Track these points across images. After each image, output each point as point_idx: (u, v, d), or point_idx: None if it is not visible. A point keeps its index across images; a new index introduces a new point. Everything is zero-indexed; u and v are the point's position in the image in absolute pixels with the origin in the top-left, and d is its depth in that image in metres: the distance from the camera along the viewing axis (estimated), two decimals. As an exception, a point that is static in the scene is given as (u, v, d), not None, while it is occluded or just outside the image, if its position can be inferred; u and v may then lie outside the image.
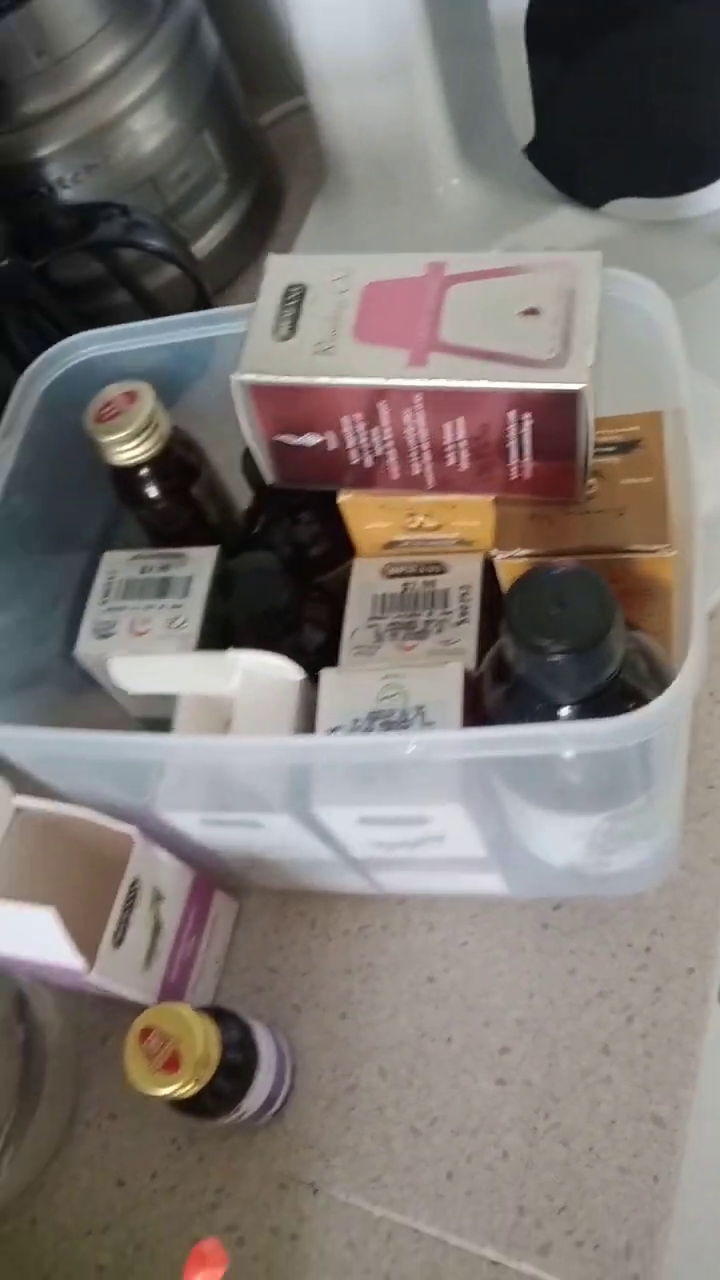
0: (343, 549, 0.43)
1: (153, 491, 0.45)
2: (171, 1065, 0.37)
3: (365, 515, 0.41)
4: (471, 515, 0.40)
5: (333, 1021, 0.46)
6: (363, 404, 0.35)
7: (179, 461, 0.45)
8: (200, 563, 0.44)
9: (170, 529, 0.46)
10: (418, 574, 0.41)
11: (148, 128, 0.62)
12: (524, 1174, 0.41)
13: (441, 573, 0.41)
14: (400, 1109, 0.43)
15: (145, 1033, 0.38)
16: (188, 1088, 0.37)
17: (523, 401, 0.34)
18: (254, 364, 0.35)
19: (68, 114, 0.59)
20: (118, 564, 0.45)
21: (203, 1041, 0.38)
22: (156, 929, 0.42)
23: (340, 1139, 0.43)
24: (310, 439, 0.37)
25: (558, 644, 0.31)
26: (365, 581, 0.42)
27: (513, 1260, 0.40)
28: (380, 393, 0.35)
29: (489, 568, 0.41)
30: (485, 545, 0.41)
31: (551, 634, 0.32)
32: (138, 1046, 0.38)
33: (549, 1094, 0.42)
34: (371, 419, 0.35)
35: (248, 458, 0.46)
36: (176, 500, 0.45)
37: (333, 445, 0.37)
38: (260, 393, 0.36)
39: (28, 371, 0.42)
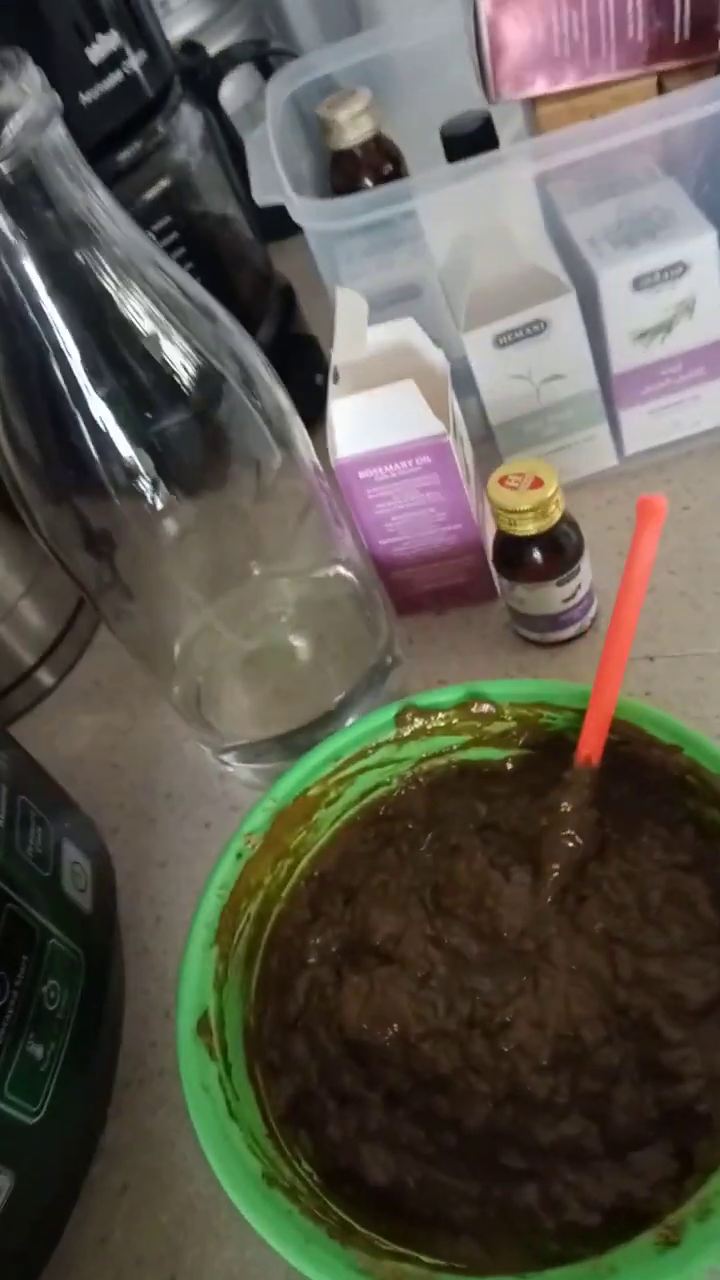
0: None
1: (368, 177, 0.56)
2: (536, 483, 0.44)
3: (559, 124, 0.53)
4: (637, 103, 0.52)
5: (610, 560, 0.53)
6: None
7: (385, 149, 0.57)
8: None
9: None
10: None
11: None
12: None
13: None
14: (680, 583, 0.50)
15: (503, 478, 0.45)
16: (551, 507, 0.44)
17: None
18: (484, -32, 0.48)
19: None
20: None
21: (554, 479, 0.45)
22: (466, 466, 0.50)
23: (651, 622, 0.50)
24: (524, 32, 0.49)
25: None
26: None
27: None
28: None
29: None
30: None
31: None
32: (499, 484, 0.45)
33: None
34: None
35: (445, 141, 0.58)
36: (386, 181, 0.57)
37: (540, 36, 0.49)
38: (490, -11, 0.48)
39: (272, 81, 0.55)
